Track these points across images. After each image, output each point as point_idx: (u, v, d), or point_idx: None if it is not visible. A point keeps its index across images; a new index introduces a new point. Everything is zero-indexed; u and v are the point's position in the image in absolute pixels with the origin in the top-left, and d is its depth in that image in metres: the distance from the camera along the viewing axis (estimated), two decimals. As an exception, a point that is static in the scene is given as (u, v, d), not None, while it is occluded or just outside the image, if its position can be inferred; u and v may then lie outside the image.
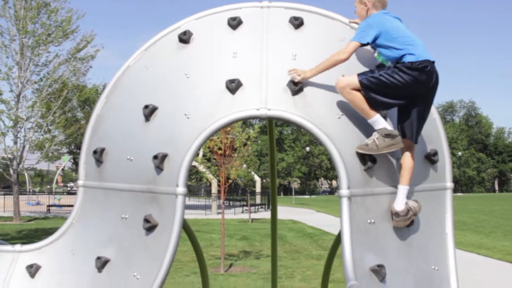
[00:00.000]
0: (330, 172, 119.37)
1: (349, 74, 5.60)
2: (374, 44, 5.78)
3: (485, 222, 39.71)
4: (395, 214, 5.48)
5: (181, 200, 5.28)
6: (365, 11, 6.06)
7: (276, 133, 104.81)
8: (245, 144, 25.61)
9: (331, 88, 5.64)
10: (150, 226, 5.40)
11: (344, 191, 5.26)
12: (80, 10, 40.01)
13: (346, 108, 5.57)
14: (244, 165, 35.57)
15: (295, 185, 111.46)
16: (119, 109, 6.11)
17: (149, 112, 5.69)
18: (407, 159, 5.56)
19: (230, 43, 5.98)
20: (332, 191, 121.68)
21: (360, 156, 5.43)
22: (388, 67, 5.56)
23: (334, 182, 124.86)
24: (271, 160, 8.04)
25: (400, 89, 5.43)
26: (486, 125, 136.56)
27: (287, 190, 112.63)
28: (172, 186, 5.33)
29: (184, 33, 6.11)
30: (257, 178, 63.52)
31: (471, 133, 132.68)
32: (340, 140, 5.39)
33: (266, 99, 5.44)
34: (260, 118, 5.41)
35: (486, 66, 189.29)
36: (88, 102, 53.63)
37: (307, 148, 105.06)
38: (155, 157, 5.41)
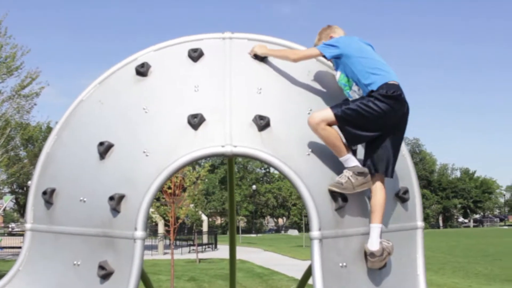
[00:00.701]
0: (276, 210, 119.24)
1: (318, 109, 5.33)
2: (338, 62, 5.60)
3: (433, 259, 39.81)
4: (370, 255, 5.15)
5: (140, 245, 4.85)
6: (329, 37, 5.91)
7: (222, 171, 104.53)
8: (194, 183, 25.20)
9: (298, 123, 5.35)
10: (105, 274, 4.94)
11: (315, 232, 4.92)
12: (25, 46, 38.86)
13: (315, 144, 5.28)
14: (192, 204, 35.01)
15: (242, 223, 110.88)
16: (71, 146, 5.69)
17: (105, 149, 5.29)
18: (379, 196, 5.26)
19: (191, 76, 5.66)
20: (279, 229, 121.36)
21: (331, 194, 5.12)
22: (362, 97, 5.30)
23: (280, 220, 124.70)
24: (231, 199, 7.67)
25: (376, 120, 5.16)
26: (430, 162, 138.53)
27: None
28: (129, 230, 4.90)
29: (142, 65, 5.77)
30: (204, 218, 62.87)
31: (416, 170, 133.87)
32: (310, 178, 5.07)
33: (231, 135, 5.10)
34: (225, 156, 5.05)
35: (430, 102, 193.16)
36: (31, 140, 52.30)
37: (254, 186, 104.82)
38: (111, 198, 4.99)
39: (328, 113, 5.14)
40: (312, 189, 5.01)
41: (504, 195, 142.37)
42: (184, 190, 24.40)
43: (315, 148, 5.26)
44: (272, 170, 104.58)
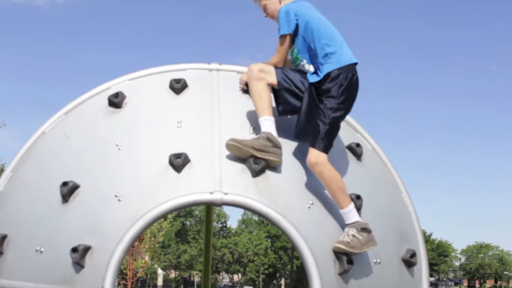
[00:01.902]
0: (232, 266, 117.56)
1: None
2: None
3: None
4: (362, 229, 4.45)
5: (107, 308, 4.00)
6: (279, 2, 5.15)
7: (178, 224, 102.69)
8: (155, 235, 24.15)
9: (297, 170, 4.63)
10: None
11: (317, 301, 4.13)
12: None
13: (317, 195, 4.56)
14: (147, 257, 33.74)
15: (197, 278, 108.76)
16: (29, 185, 4.83)
17: (69, 191, 4.45)
18: (332, 174, 4.55)
19: (173, 110, 4.92)
20: (234, 285, 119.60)
21: (335, 255, 4.35)
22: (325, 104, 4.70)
23: (235, 276, 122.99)
24: (206, 252, 6.81)
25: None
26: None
27: (187, 284, 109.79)
28: (95, 288, 4.04)
29: (116, 95, 5.00)
30: (159, 271, 61.29)
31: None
32: (311, 235, 4.32)
33: (221, 180, 4.32)
34: (214, 204, 4.25)
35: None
36: (-17, 183, 50.77)
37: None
38: (74, 249, 4.14)
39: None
40: (314, 248, 4.25)
41: (460, 259, 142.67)
42: (141, 241, 23.33)
43: (317, 200, 4.52)
44: (229, 224, 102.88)
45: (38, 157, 5.02)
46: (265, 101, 4.70)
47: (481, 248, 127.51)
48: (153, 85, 5.20)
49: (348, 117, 5.37)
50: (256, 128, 4.77)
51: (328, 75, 4.73)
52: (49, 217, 4.50)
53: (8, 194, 4.94)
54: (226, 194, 4.22)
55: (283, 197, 4.40)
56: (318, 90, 4.75)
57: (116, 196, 4.33)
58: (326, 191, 4.55)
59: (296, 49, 4.98)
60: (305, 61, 4.92)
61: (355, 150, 5.07)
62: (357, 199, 4.65)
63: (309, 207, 4.46)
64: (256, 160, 4.42)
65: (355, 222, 4.47)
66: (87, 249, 4.15)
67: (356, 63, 4.87)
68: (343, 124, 5.28)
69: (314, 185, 4.58)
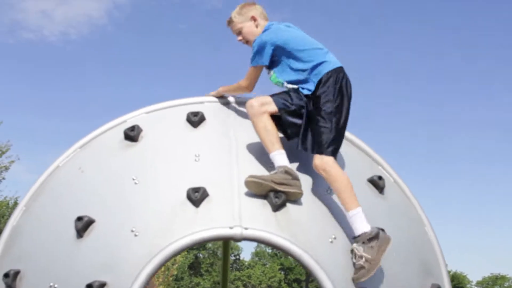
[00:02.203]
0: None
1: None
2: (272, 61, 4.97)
3: None
4: (369, 239, 4.25)
5: None
6: (256, 26, 5.14)
7: (191, 257, 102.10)
8: (168, 268, 23.95)
9: (317, 203, 4.51)
10: None
11: None
12: (-3, 118, 37.79)
13: (339, 229, 4.42)
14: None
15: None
16: (43, 220, 4.72)
17: (84, 226, 4.33)
18: (340, 175, 4.49)
19: (191, 143, 4.81)
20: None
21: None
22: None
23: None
24: (223, 286, 6.66)
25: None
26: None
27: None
28: (111, 327, 3.91)
29: (132, 128, 4.90)
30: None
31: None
32: (334, 270, 4.17)
33: (240, 214, 4.19)
34: (234, 239, 4.12)
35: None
36: (-5, 216, 50.55)
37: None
38: (89, 286, 4.00)
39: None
40: (337, 283, 4.10)
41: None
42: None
43: (339, 234, 4.38)
44: (242, 256, 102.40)
45: (53, 191, 4.92)
46: (272, 134, 4.61)
47: (496, 279, 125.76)
48: (170, 118, 5.11)
49: (368, 148, 5.28)
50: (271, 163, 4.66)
51: (319, 81, 4.70)
52: (64, 253, 4.36)
53: (22, 228, 4.84)
54: (246, 228, 4.08)
55: (304, 231, 4.26)
56: (313, 100, 4.72)
57: (132, 231, 4.20)
58: (348, 224, 4.41)
59: (276, 74, 4.96)
60: (285, 83, 4.90)
61: (377, 183, 4.94)
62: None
63: (331, 241, 4.31)
64: (276, 194, 4.30)
65: (363, 234, 4.28)
66: (102, 285, 4.00)
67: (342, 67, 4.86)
68: (363, 156, 5.17)
69: (335, 219, 4.46)
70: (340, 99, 4.70)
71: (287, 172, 4.39)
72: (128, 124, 5.03)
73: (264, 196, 4.35)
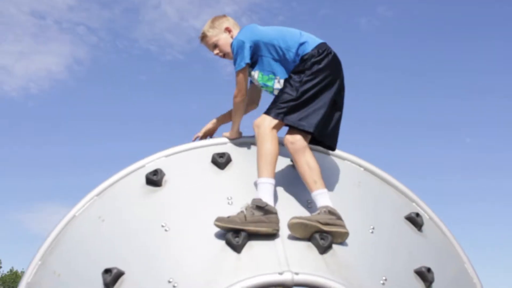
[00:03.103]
0: None
1: (383, 227, 4.24)
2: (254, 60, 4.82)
3: None
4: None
5: None
6: (231, 37, 4.98)
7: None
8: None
9: (364, 244, 4.23)
10: None
11: None
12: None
13: (388, 269, 4.15)
14: None
15: None
16: (62, 275, 4.35)
17: (113, 278, 3.96)
18: (268, 141, 4.42)
19: (220, 186, 4.53)
20: None
21: None
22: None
23: None
24: None
25: None
26: None
27: None
28: None
29: (154, 172, 4.60)
30: None
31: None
32: (389, 314, 3.87)
33: (287, 259, 3.89)
34: (284, 286, 3.80)
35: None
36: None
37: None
38: None
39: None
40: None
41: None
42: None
43: (389, 275, 4.10)
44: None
45: (72, 242, 4.55)
46: (316, 172, 4.35)
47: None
48: (193, 161, 4.82)
49: (401, 186, 5.04)
50: (311, 202, 4.39)
51: (301, 60, 4.62)
52: (90, 310, 4.02)
53: (39, 285, 4.44)
54: (296, 274, 3.77)
55: (355, 274, 3.97)
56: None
57: (169, 282, 3.86)
58: (398, 264, 4.16)
59: (265, 73, 4.80)
60: (278, 77, 4.74)
61: (416, 221, 4.69)
62: (428, 272, 4.26)
63: (383, 283, 4.03)
64: (322, 235, 4.02)
65: (255, 199, 4.13)
66: None
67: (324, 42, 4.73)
68: (396, 193, 4.94)
69: (383, 259, 4.20)
70: (318, 72, 4.54)
71: (330, 212, 4.12)
72: (148, 169, 4.72)
73: (308, 238, 4.06)
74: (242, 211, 4.04)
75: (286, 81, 4.62)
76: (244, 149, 4.93)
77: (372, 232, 4.34)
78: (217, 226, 4.00)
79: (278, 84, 4.75)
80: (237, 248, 3.93)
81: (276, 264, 3.85)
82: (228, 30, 5.01)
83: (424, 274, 4.22)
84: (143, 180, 4.63)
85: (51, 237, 4.68)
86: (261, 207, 4.04)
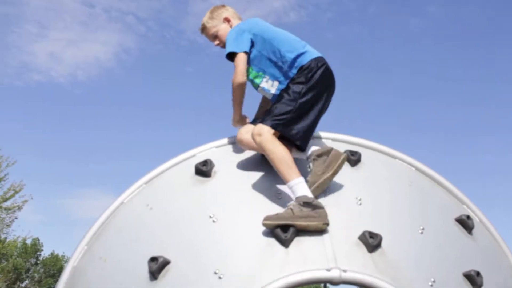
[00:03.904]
0: None
1: (430, 227, 4.18)
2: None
3: None
4: (305, 203, 4.01)
5: None
6: (231, 27, 4.94)
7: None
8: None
9: (414, 243, 4.19)
10: None
11: None
12: (10, 157, 37.28)
13: (436, 271, 4.08)
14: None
15: None
16: (108, 260, 4.37)
17: (159, 267, 3.97)
18: (273, 146, 4.34)
19: (270, 180, 4.51)
20: None
21: None
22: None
23: None
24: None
25: None
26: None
27: None
28: None
29: (204, 163, 4.60)
30: None
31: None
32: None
33: (335, 255, 3.86)
34: (331, 283, 3.77)
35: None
36: (5, 256, 49.97)
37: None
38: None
39: None
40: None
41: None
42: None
43: (437, 277, 4.03)
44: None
45: (119, 229, 4.59)
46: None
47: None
48: (243, 154, 4.80)
49: (453, 187, 4.96)
50: (362, 198, 4.35)
51: (299, 70, 4.54)
52: (135, 296, 4.04)
53: (85, 269, 4.50)
54: (344, 271, 3.74)
55: (403, 274, 3.92)
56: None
57: (215, 273, 3.86)
58: (447, 266, 4.10)
59: (255, 69, 4.73)
60: (267, 77, 4.67)
61: (466, 223, 4.61)
62: (477, 276, 4.18)
63: (431, 285, 3.97)
64: (371, 233, 3.98)
65: (299, 197, 4.08)
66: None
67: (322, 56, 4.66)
68: (447, 195, 4.87)
69: (431, 260, 4.13)
70: (316, 85, 4.51)
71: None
72: (198, 159, 4.73)
73: (358, 236, 4.03)
74: (290, 208, 4.01)
75: (284, 90, 4.55)
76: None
77: (421, 233, 4.27)
78: (266, 225, 3.98)
79: (265, 84, 4.72)
80: (285, 243, 3.91)
81: (324, 260, 3.82)
82: (227, 20, 4.97)
83: (473, 278, 4.15)
84: (193, 170, 4.64)
85: (98, 223, 4.73)
86: (308, 203, 4.02)
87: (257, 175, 4.55)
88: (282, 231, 3.92)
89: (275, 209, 4.19)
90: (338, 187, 4.47)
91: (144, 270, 4.04)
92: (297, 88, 4.46)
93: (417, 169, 4.96)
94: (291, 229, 3.92)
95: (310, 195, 4.11)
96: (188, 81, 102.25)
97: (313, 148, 4.37)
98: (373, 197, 4.43)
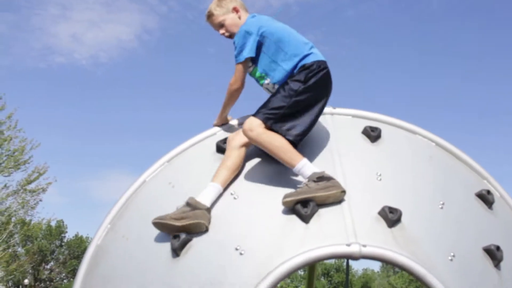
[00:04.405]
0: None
1: (451, 203, 4.18)
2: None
3: None
4: (319, 178, 4.09)
5: None
6: (238, 18, 4.86)
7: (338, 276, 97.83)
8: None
9: (433, 219, 4.18)
10: None
11: None
12: (35, 140, 37.53)
13: (456, 245, 4.11)
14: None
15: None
16: (131, 238, 4.43)
17: (181, 244, 4.02)
18: (269, 136, 4.38)
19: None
20: None
21: None
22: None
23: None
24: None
25: None
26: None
27: None
28: None
29: (224, 141, 4.64)
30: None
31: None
32: (456, 290, 3.83)
33: (355, 231, 3.88)
34: (351, 258, 3.79)
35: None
36: (31, 238, 50.59)
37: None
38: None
39: None
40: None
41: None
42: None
43: (457, 251, 4.05)
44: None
45: (141, 207, 4.64)
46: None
47: None
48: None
49: (473, 162, 4.95)
50: (382, 174, 4.36)
51: (301, 68, 4.53)
52: (158, 273, 4.07)
53: (108, 248, 4.56)
54: (364, 246, 3.76)
55: (423, 249, 3.94)
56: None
57: (237, 249, 3.91)
58: (466, 241, 4.11)
59: (260, 69, 4.72)
60: (268, 79, 4.67)
61: (487, 198, 4.61)
62: (497, 251, 4.18)
63: (451, 259, 3.99)
64: (391, 209, 3.99)
65: (310, 175, 4.12)
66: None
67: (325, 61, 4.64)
68: (467, 170, 4.86)
69: (451, 235, 4.15)
70: (314, 86, 4.49)
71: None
72: (219, 137, 4.79)
73: (378, 211, 4.05)
74: (305, 184, 4.05)
75: (282, 86, 4.54)
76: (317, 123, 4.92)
77: (441, 208, 4.28)
78: (286, 203, 4.01)
79: (267, 85, 4.74)
80: (305, 219, 3.95)
81: (344, 235, 3.85)
82: (235, 10, 4.89)
83: (493, 252, 4.16)
84: (214, 148, 4.68)
85: (121, 201, 4.79)
86: (321, 177, 4.06)
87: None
88: (302, 207, 3.95)
89: (295, 186, 4.21)
90: (358, 163, 4.48)
91: (166, 247, 4.10)
92: (294, 85, 4.45)
93: (437, 144, 4.95)
94: (311, 204, 3.95)
95: (318, 170, 4.15)
96: (209, 62, 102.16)
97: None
98: (393, 172, 4.44)
